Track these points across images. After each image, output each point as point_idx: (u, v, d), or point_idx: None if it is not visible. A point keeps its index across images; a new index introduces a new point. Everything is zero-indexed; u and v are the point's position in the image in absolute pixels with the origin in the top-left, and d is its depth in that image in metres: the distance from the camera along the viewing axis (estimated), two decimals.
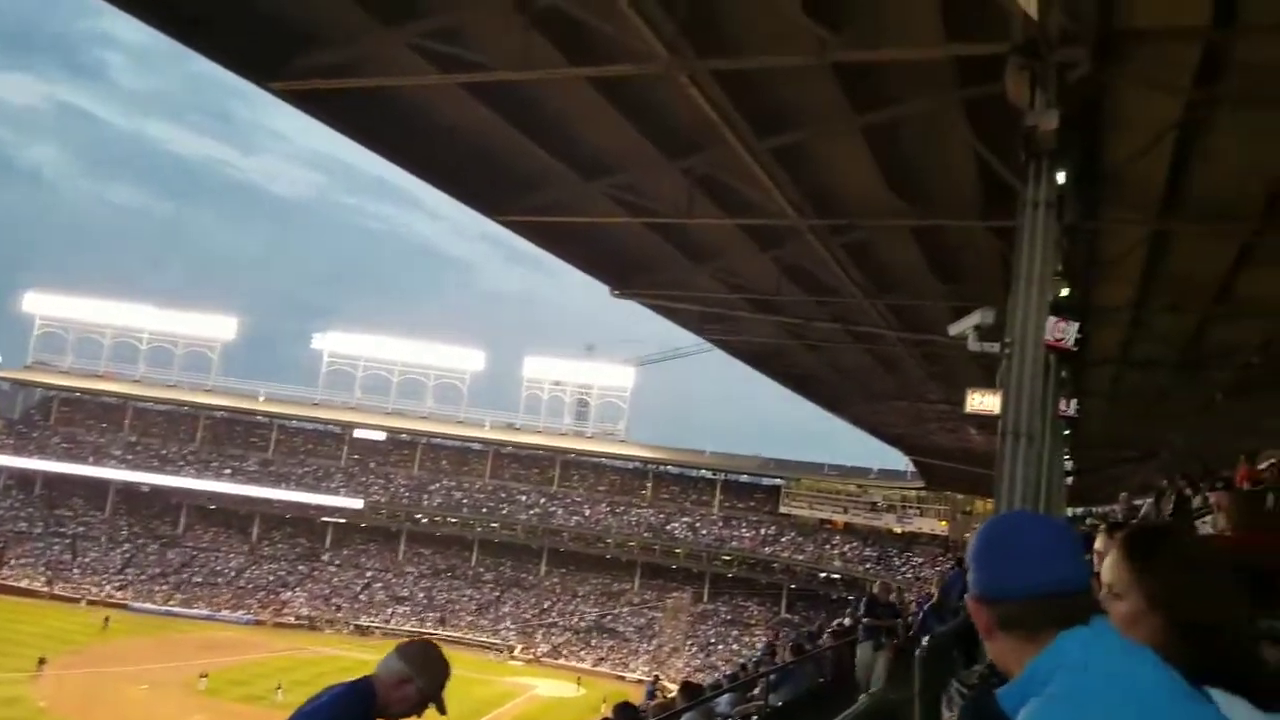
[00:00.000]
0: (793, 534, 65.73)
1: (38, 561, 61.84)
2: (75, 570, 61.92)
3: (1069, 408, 15.36)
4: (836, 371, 22.00)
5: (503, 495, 70.91)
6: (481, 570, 67.88)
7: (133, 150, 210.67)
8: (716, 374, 64.12)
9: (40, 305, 71.47)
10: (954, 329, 9.15)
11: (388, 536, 69.50)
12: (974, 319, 8.75)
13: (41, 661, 41.00)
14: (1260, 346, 13.77)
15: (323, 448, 73.68)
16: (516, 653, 58.43)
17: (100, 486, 68.19)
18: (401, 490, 70.96)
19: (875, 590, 12.02)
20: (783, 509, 66.50)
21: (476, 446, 73.78)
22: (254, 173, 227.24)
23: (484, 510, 69.51)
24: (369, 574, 66.80)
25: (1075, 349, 10.83)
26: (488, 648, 58.46)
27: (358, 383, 73.39)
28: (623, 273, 15.47)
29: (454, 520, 69.08)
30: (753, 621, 61.80)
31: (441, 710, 3.09)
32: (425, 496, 70.58)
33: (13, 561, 60.78)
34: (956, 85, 8.62)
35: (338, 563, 67.74)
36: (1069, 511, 22.78)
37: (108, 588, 60.52)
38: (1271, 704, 1.61)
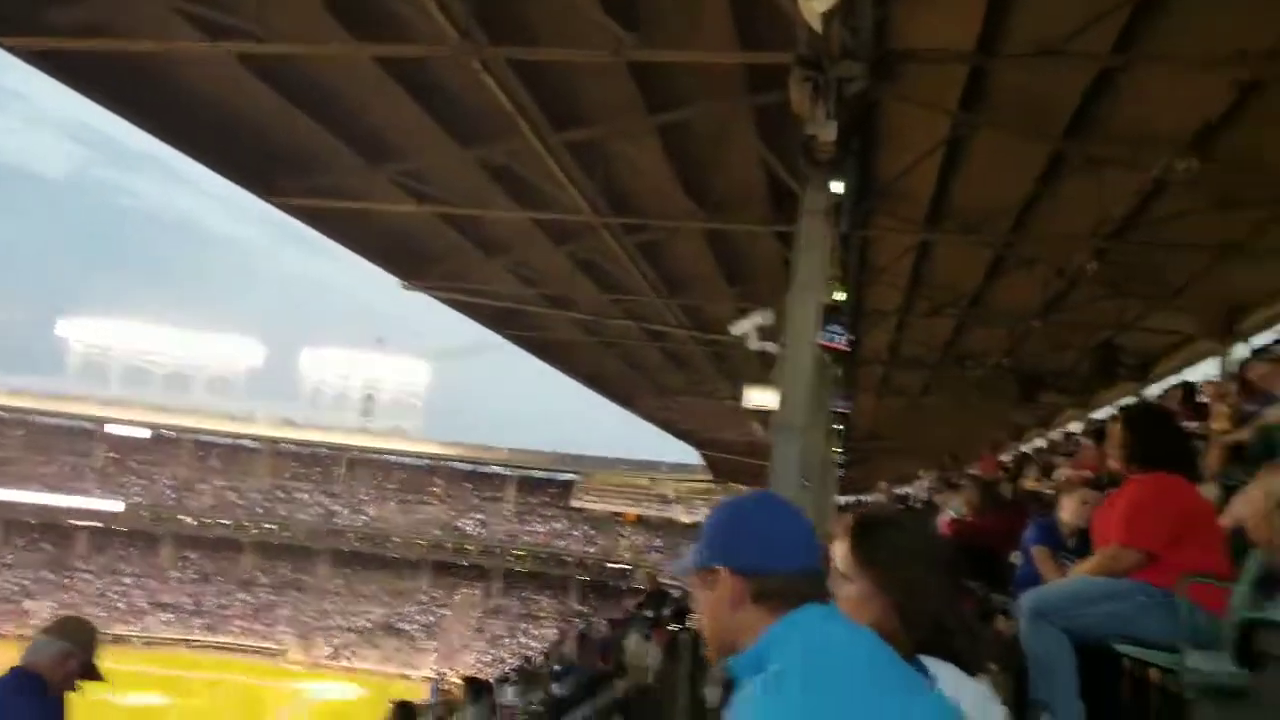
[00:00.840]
0: (585, 527, 66.41)
1: None
2: None
3: (841, 404, 16.36)
4: (630, 367, 22.34)
5: (281, 495, 66.93)
6: (257, 574, 63.83)
7: None
8: (514, 369, 63.59)
9: None
10: (736, 328, 9.48)
11: (150, 540, 63.79)
12: (755, 319, 9.12)
13: None
14: (1007, 349, 15.19)
15: (74, 445, 66.74)
16: (294, 656, 55.50)
17: None
18: (166, 490, 65.43)
19: (646, 581, 12.15)
20: (574, 503, 67.02)
21: (251, 444, 69.21)
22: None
23: (259, 511, 65.36)
24: (128, 580, 61.16)
25: (848, 349, 11.52)
26: (261, 652, 55.18)
27: (114, 374, 66.97)
28: (412, 264, 14.93)
29: (226, 522, 64.42)
30: (544, 614, 61.93)
31: (99, 678, 3.37)
32: (193, 497, 65.51)
33: None
34: (747, 91, 8.91)
35: (92, 570, 61.58)
36: (840, 499, 24.27)
37: None
38: (975, 669, 1.87)
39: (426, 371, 71.61)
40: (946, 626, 1.87)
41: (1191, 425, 8.31)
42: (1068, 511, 4.67)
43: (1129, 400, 14.60)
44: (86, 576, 60.88)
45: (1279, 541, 3.09)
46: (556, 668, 15.90)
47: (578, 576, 63.72)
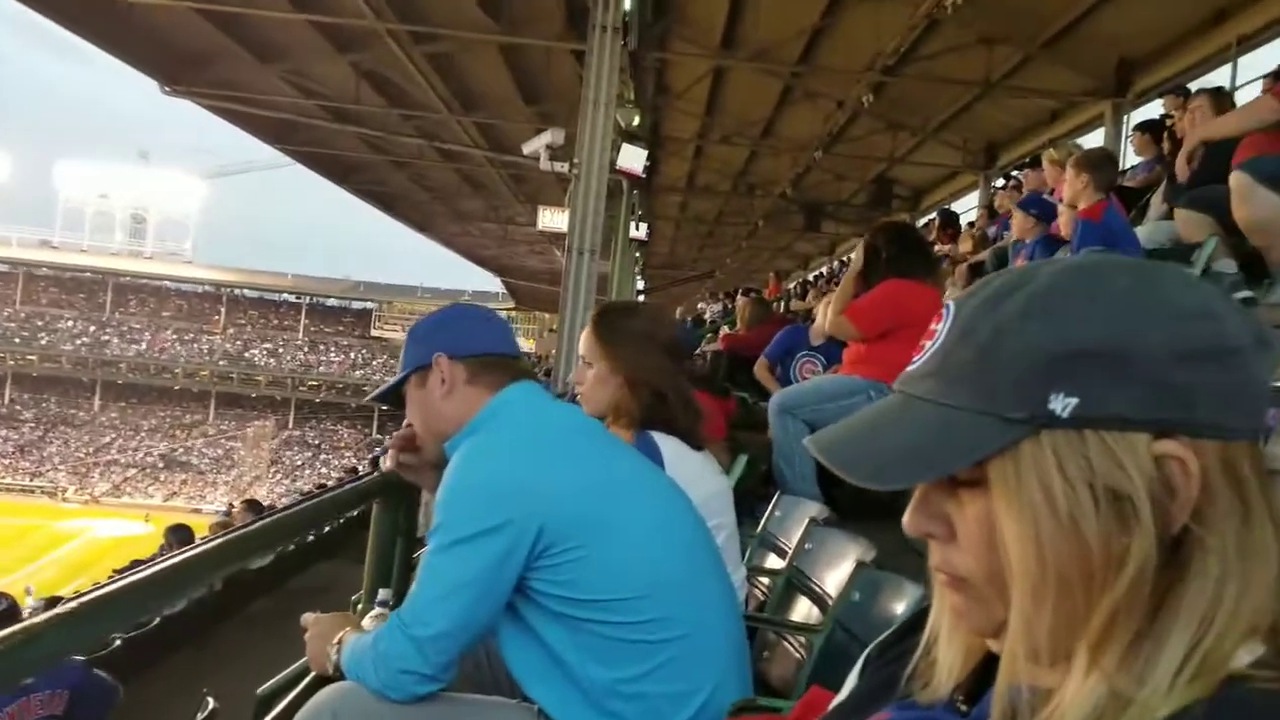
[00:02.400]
0: (385, 357, 65.25)
1: None
2: None
3: (639, 230, 16.67)
4: (424, 190, 21.57)
5: (40, 323, 61.23)
6: (18, 408, 59.01)
7: None
8: (301, 191, 59.90)
9: None
10: (527, 148, 9.36)
11: None
12: (545, 138, 9.00)
13: None
14: (792, 179, 15.85)
15: None
16: (69, 494, 52.57)
17: None
18: None
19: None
20: (374, 332, 65.45)
21: (3, 268, 62.38)
22: None
23: (17, 340, 59.70)
24: None
25: (644, 175, 11.67)
26: (31, 491, 51.84)
27: None
28: (174, 67, 13.49)
29: None
30: (343, 445, 61.28)
31: None
32: None
33: None
34: None
35: None
36: None
37: None
38: (696, 443, 2.09)
39: (200, 191, 65.93)
40: (669, 401, 2.07)
41: (946, 248, 9.19)
42: (819, 316, 5.09)
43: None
44: None
45: None
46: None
47: (381, 406, 63.00)
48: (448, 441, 1.64)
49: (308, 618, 1.71)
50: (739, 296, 11.53)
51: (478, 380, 1.64)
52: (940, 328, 0.61)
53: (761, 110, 13.66)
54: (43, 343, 60.18)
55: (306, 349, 64.99)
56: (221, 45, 12.58)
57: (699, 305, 21.09)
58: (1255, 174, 3.45)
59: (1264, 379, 0.56)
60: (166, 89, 13.58)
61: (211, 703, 3.01)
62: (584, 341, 2.16)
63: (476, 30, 11.16)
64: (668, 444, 2.03)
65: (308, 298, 66.52)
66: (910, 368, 0.62)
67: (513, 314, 61.31)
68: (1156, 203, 4.79)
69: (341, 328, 66.86)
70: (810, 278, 19.11)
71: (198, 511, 46.46)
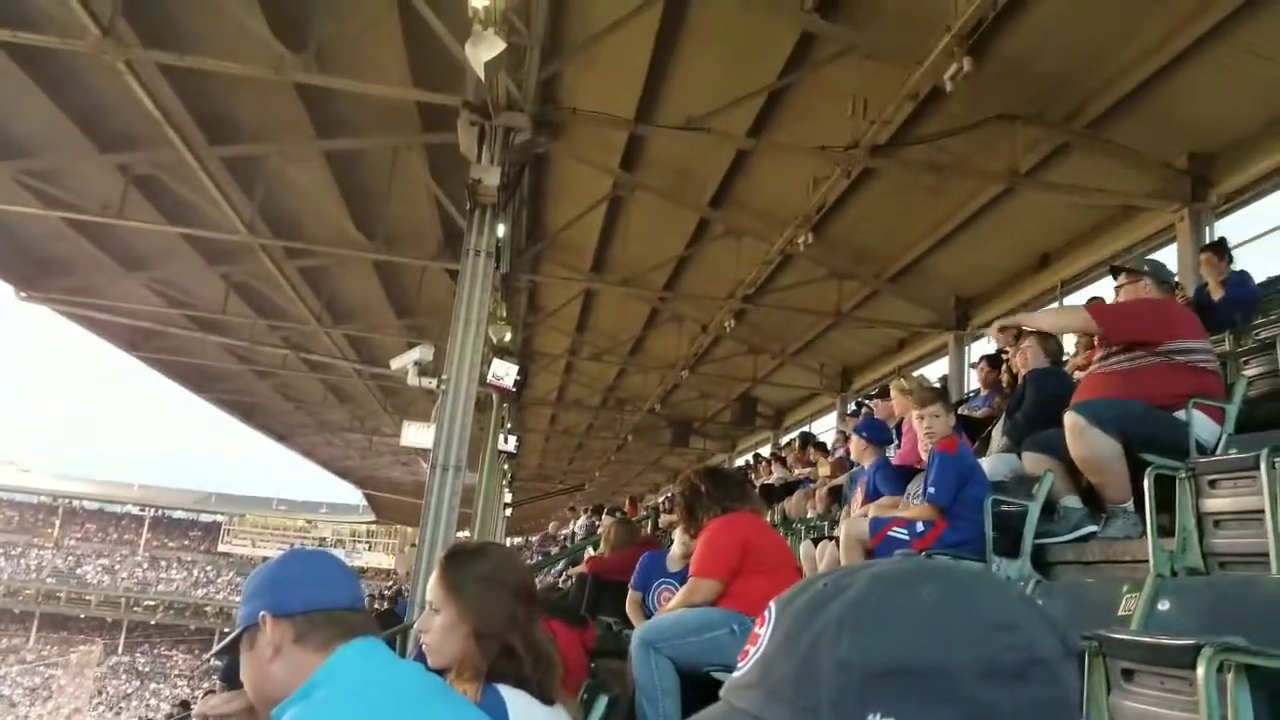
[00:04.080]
0: (232, 573, 61.00)
1: None
2: None
3: (508, 443, 16.60)
4: (287, 400, 21.09)
5: None
6: None
7: None
8: (154, 398, 57.66)
9: None
10: (395, 363, 9.38)
11: None
12: (414, 354, 9.06)
13: None
14: (661, 396, 16.32)
15: None
16: None
17: None
18: None
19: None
20: (221, 547, 61.43)
21: None
22: None
23: None
24: None
25: (515, 389, 11.79)
26: None
27: None
28: (33, 272, 13.14)
29: None
30: (176, 672, 55.77)
31: None
32: None
33: None
34: (420, 128, 8.96)
35: None
36: (508, 540, 24.51)
37: None
38: (548, 697, 1.94)
39: (44, 396, 62.37)
40: (516, 653, 1.94)
41: (806, 470, 9.49)
42: (676, 542, 5.10)
43: (762, 447, 16.24)
44: None
45: None
46: None
47: (222, 629, 58.20)
48: (275, 708, 1.50)
49: None
50: (604, 515, 11.48)
51: (306, 640, 1.52)
52: (763, 632, 0.61)
53: (630, 330, 14.24)
54: None
55: (146, 565, 60.21)
56: (87, 253, 12.38)
57: (565, 517, 20.81)
58: (1088, 416, 3.75)
59: (1070, 689, 0.57)
60: (22, 295, 13.15)
61: None
62: (431, 586, 2.04)
63: (351, 247, 11.38)
64: (516, 699, 1.91)
65: (152, 510, 62.39)
66: (736, 674, 0.61)
67: (373, 528, 59.10)
68: (997, 435, 5.11)
69: (188, 542, 62.55)
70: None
71: None
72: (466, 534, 13.02)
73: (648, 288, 12.20)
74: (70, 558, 58.95)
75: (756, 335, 13.54)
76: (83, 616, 56.94)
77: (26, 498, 61.13)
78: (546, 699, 1.96)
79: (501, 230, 8.33)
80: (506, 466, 18.74)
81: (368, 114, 9.01)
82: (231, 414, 22.07)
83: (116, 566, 59.41)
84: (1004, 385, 6.22)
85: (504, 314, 11.13)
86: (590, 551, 8.93)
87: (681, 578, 4.77)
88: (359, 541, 60.75)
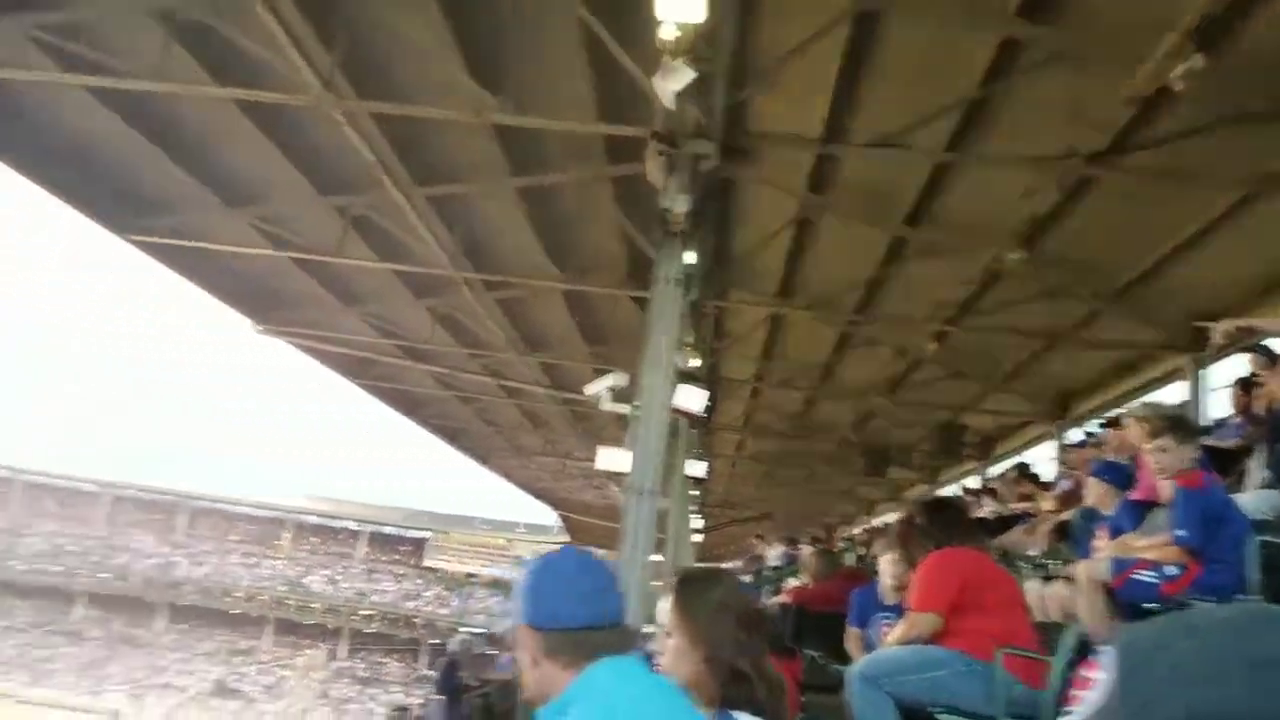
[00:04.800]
0: (438, 588, 64.44)
1: None
2: None
3: (698, 469, 16.58)
4: (487, 424, 22.06)
5: (118, 543, 62.53)
6: (87, 625, 59.03)
7: None
8: (370, 421, 61.92)
9: None
10: (589, 389, 9.55)
11: None
12: (608, 381, 9.21)
13: None
14: (854, 424, 15.80)
15: None
16: (123, 716, 51.29)
17: None
18: None
19: (456, 648, 11.10)
20: (427, 562, 65.07)
21: (89, 488, 64.62)
22: None
23: (94, 559, 60.82)
24: None
25: (703, 415, 11.75)
26: (89, 711, 50.75)
27: None
28: (266, 308, 14.43)
29: (57, 569, 59.64)
30: (390, 679, 59.34)
31: None
32: (22, 542, 60.36)
33: None
34: (607, 160, 9.11)
35: None
36: (696, 566, 24.42)
37: None
38: None
39: (278, 420, 68.56)
40: (747, 678, 1.96)
41: (1025, 505, 8.86)
42: (885, 574, 4.89)
43: (968, 479, 15.36)
44: None
45: (1097, 619, 3.35)
46: None
47: (428, 640, 61.44)
48: (538, 709, 1.61)
49: None
50: (804, 546, 11.15)
51: (556, 656, 1.57)
52: (1102, 680, 0.60)
53: (820, 355, 13.86)
54: (118, 562, 61.13)
55: (363, 577, 64.65)
56: (311, 290, 13.43)
57: (754, 546, 20.47)
58: None
59: None
60: (259, 328, 14.44)
61: None
62: (664, 611, 2.11)
63: (544, 278, 11.76)
64: None
65: (368, 525, 67.00)
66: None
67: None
68: (1256, 469, 4.56)
69: (398, 556, 66.67)
70: (876, 524, 18.56)
71: None
72: (660, 559, 13.08)
73: (838, 311, 11.83)
74: (298, 567, 64.17)
75: (961, 359, 12.79)
76: (309, 623, 61.73)
77: (261, 512, 67.18)
78: None
79: (690, 257, 8.32)
80: (696, 492, 18.70)
81: (559, 149, 9.26)
82: (439, 437, 23.34)
83: (338, 577, 64.10)
84: (1259, 412, 5.52)
85: (692, 340, 11.10)
86: (792, 581, 8.69)
87: (899, 611, 4.56)
88: None
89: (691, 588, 2.13)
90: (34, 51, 7.90)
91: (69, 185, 10.51)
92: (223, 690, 56.19)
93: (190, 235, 11.62)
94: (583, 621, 1.59)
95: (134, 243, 11.74)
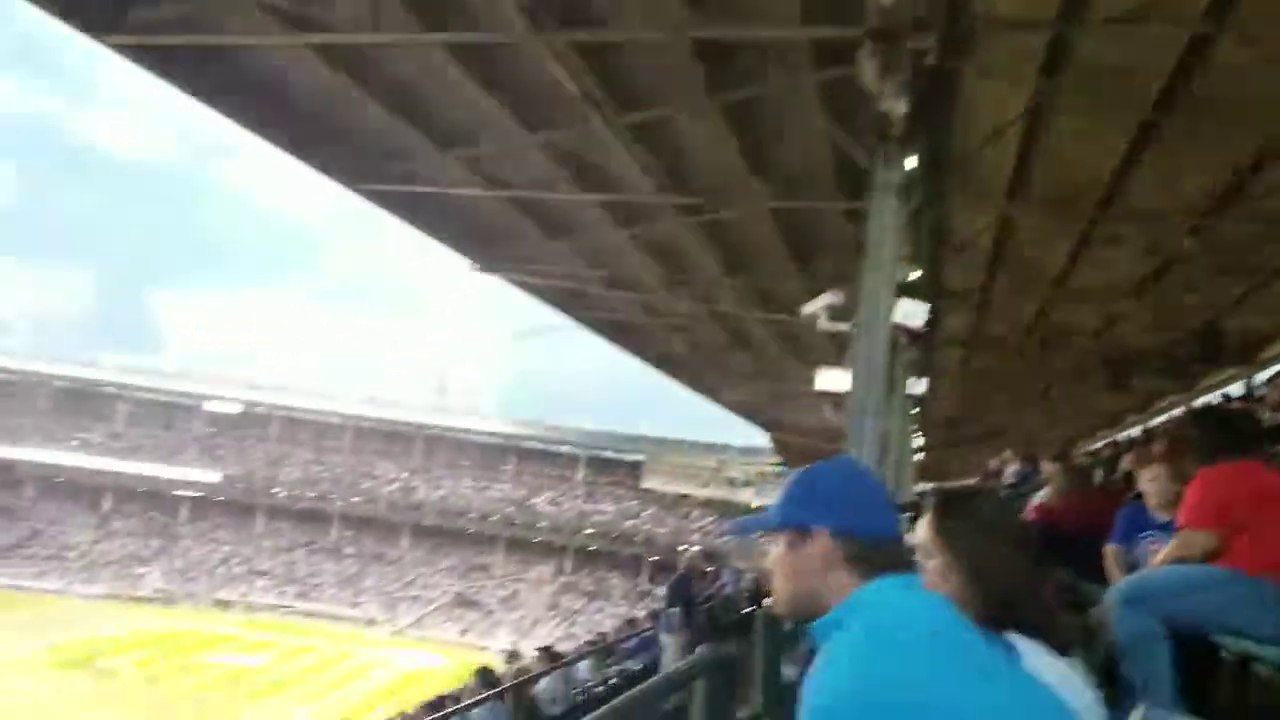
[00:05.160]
0: (654, 508, 66.67)
1: None
2: None
3: (919, 386, 15.94)
4: (696, 349, 22.15)
5: (363, 470, 69.06)
6: (342, 544, 66.07)
7: None
8: (583, 349, 64.24)
9: None
10: (806, 309, 9.27)
11: (245, 510, 66.73)
12: (825, 299, 8.91)
13: None
14: (1096, 331, 14.57)
15: (175, 420, 69.76)
16: (380, 625, 57.34)
17: None
18: (258, 464, 68.10)
19: (684, 566, 11.17)
20: (644, 484, 67.32)
21: (336, 420, 71.47)
22: (93, 131, 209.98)
23: (345, 484, 67.57)
24: (226, 548, 64.14)
25: (925, 330, 11.19)
26: (351, 620, 57.13)
27: (209, 353, 70.03)
28: (483, 247, 15.01)
29: (313, 494, 66.83)
30: (615, 593, 62.45)
31: None
32: (283, 470, 67.94)
33: None
34: (813, 67, 8.62)
35: (193, 537, 64.60)
36: (917, 487, 23.78)
37: None
38: (1061, 648, 1.87)
39: (496, 352, 72.59)
40: (1020, 602, 1.88)
41: None
42: (1148, 490, 4.50)
43: (1230, 386, 13.88)
44: (188, 543, 63.93)
45: None
46: (632, 644, 15.97)
47: (649, 557, 63.98)
48: (808, 618, 1.58)
49: None
50: (1045, 463, 10.45)
51: (855, 565, 1.55)
52: None
53: (1055, 258, 12.77)
54: (364, 487, 67.55)
55: (583, 499, 67.90)
56: (523, 226, 13.81)
57: (991, 465, 19.56)
58: None
59: None
60: (475, 266, 15.08)
61: None
62: (922, 532, 2.01)
63: (749, 196, 11.45)
64: (1031, 650, 1.79)
65: (585, 450, 70.01)
66: None
67: (779, 469, 60.87)
68: None
69: (615, 478, 69.41)
70: (1120, 438, 17.23)
71: (485, 649, 48.84)
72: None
73: (1076, 209, 10.79)
74: (523, 490, 68.33)
75: (1222, 254, 11.41)
76: (536, 541, 65.87)
77: (487, 439, 71.79)
78: (1060, 649, 1.91)
79: (910, 163, 7.80)
80: (916, 410, 18.05)
81: (759, 61, 8.87)
82: (648, 363, 23.76)
83: (560, 499, 67.75)
84: None
85: (912, 251, 10.51)
86: (1037, 498, 8.19)
87: (1169, 529, 4.18)
88: (766, 482, 63.03)
89: (955, 506, 2.03)
90: (255, 12, 8.36)
91: (296, 139, 11.22)
92: (463, 602, 61.34)
93: (409, 181, 12.17)
94: (886, 531, 1.59)
95: (362, 193, 12.46)
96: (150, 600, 56.53)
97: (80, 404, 69.26)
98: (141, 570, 60.46)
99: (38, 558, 59.68)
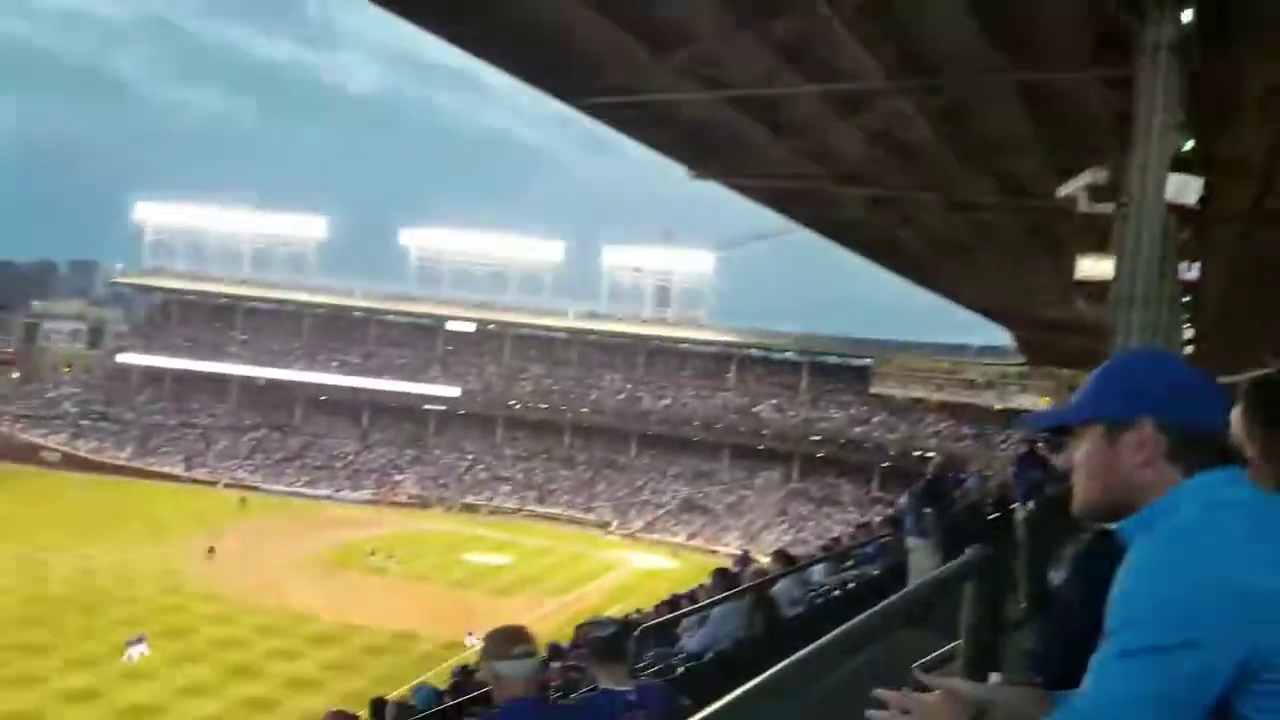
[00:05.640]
0: (884, 414, 65.13)
1: (175, 450, 67.19)
2: (210, 457, 66.97)
3: (1190, 271, 14.31)
4: (929, 244, 20.96)
5: (590, 382, 72.13)
6: (575, 452, 69.83)
7: (213, 56, 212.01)
8: (801, 253, 62.75)
9: (149, 214, 75.63)
10: (1063, 190, 8.44)
11: (485, 422, 71.89)
12: (1085, 178, 8.05)
13: (211, 550, 42.34)
14: None
15: (418, 340, 75.81)
16: (613, 528, 60.45)
17: (222, 381, 72.89)
18: (494, 379, 72.90)
19: (933, 469, 10.54)
20: (873, 390, 65.67)
21: (562, 335, 74.81)
22: (328, 70, 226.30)
23: (574, 396, 71.00)
24: (470, 457, 69.63)
25: (1198, 207, 9.94)
26: (585, 524, 60.64)
27: (445, 276, 74.99)
28: (700, 153, 14.81)
29: (545, 406, 70.80)
30: (844, 500, 62.09)
31: None
32: (517, 384, 72.32)
33: (156, 450, 66.43)
34: None
35: (442, 447, 70.66)
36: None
37: (240, 472, 65.17)
38: None
39: (712, 261, 72.51)
40: None
41: None
42: None
43: None
44: (437, 452, 70.08)
45: None
46: (869, 549, 15.71)
47: (879, 464, 62.81)
48: (1112, 517, 1.47)
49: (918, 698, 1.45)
50: None
51: (1179, 457, 1.42)
52: None
53: None
54: (592, 398, 70.63)
55: (808, 405, 67.40)
56: (742, 127, 13.45)
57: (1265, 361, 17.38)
58: None
59: None
60: (694, 174, 14.93)
61: None
62: (1234, 419, 1.79)
63: (988, 71, 10.49)
64: None
65: (808, 356, 69.14)
66: None
67: (1024, 370, 57.29)
68: None
69: (841, 385, 68.26)
70: None
71: (714, 553, 50.41)
72: None
73: None
74: (746, 397, 68.77)
75: None
76: (761, 448, 66.37)
77: (707, 349, 72.51)
78: None
79: (1189, 15, 6.80)
80: (1187, 298, 16.26)
81: None
82: (874, 260, 22.83)
83: (784, 406, 67.65)
84: None
85: (1184, 119, 9.28)
86: None
87: None
88: (1010, 383, 59.80)
89: (1266, 394, 1.83)
90: None
91: (516, 59, 11.46)
92: (691, 507, 63.20)
93: (627, 91, 12.11)
94: (1214, 425, 1.47)
95: (581, 106, 12.56)
96: (406, 505, 62.71)
97: (336, 328, 76.79)
98: (399, 477, 67.06)
99: (309, 467, 67.75)
